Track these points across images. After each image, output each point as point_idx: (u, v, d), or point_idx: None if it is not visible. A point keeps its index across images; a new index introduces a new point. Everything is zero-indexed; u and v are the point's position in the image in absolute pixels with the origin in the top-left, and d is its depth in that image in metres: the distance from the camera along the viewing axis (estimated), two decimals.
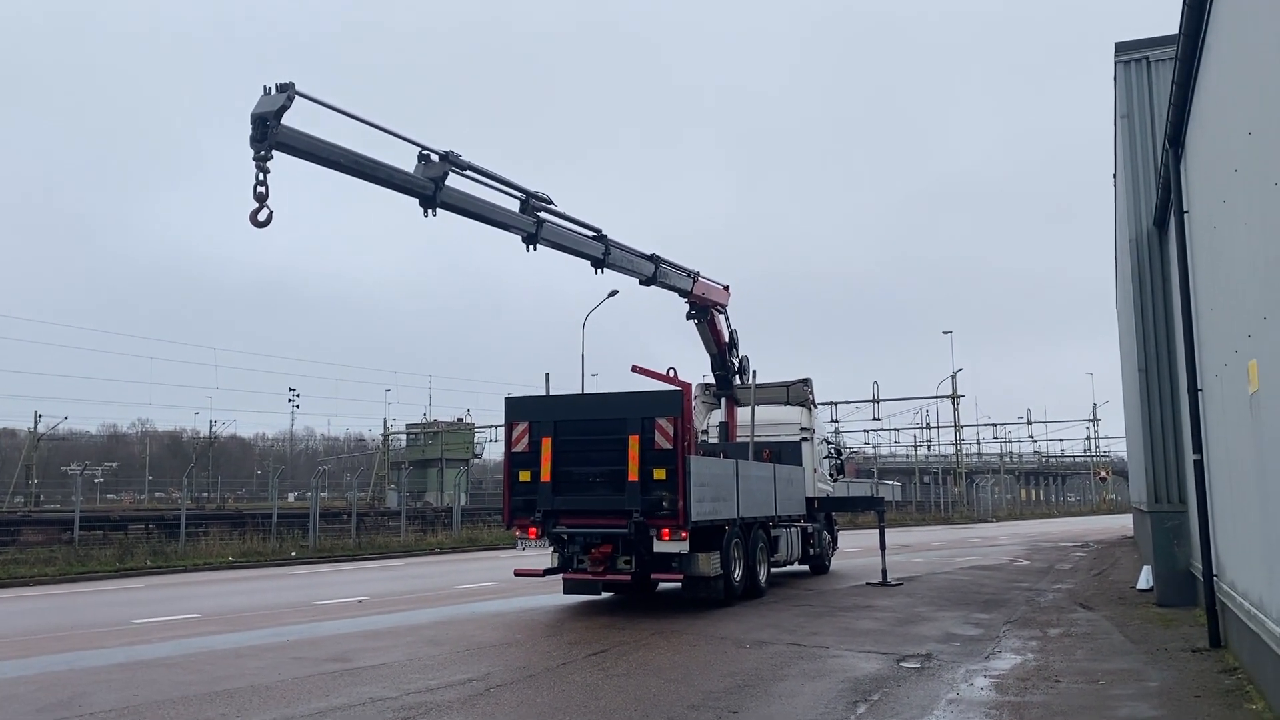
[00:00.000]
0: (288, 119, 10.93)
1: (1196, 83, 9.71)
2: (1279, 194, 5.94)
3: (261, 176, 10.78)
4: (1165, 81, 15.01)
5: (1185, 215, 11.11)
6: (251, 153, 10.72)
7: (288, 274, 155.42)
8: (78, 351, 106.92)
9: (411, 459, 77.23)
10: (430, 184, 12.57)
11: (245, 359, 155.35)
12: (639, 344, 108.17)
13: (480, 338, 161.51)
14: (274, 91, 10.78)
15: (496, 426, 77.20)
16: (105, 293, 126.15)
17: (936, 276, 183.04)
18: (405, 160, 12.68)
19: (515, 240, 14.41)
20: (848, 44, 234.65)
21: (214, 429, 77.66)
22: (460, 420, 78.05)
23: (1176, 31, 9.97)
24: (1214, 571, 10.85)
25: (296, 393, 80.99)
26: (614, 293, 38.62)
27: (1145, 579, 16.53)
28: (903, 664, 10.03)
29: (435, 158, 12.71)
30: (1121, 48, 16.05)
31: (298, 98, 10.89)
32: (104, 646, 11.51)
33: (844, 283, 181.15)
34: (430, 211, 12.78)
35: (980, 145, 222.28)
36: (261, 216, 10.86)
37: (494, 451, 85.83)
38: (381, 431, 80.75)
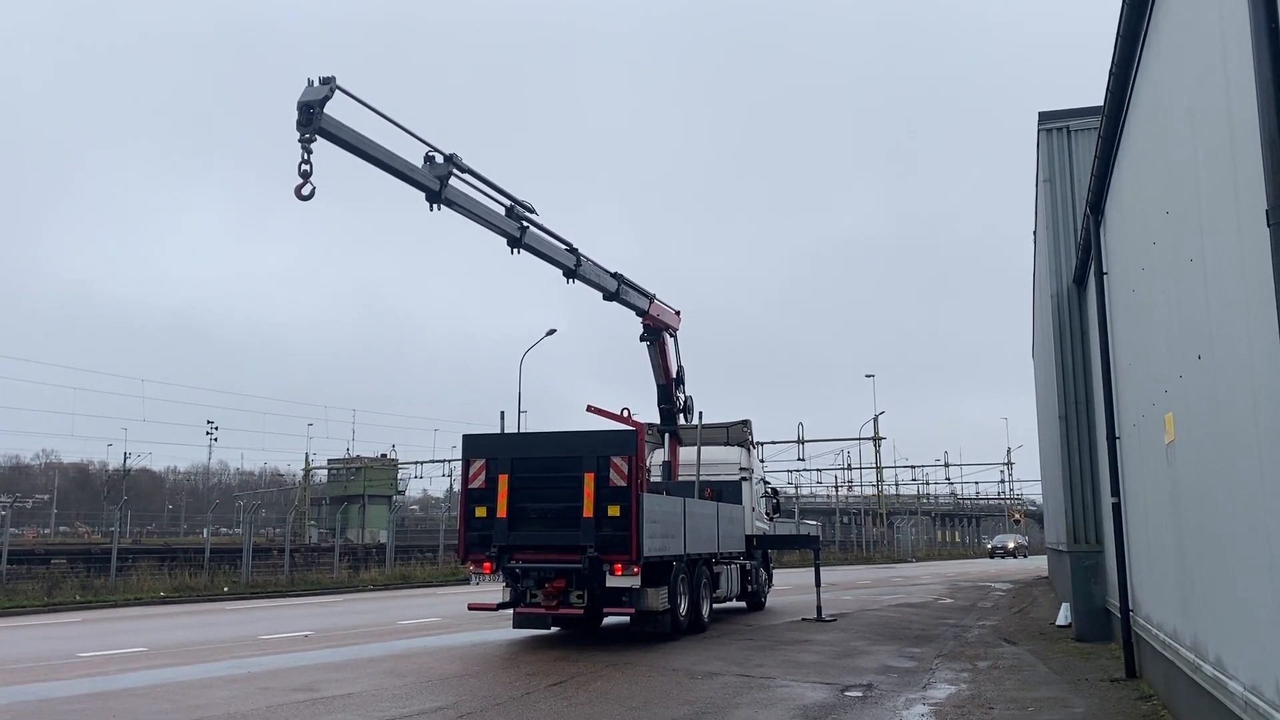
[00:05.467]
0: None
1: (1116, 158, 10.68)
2: (1193, 268, 6.76)
3: (306, 156, 11.98)
4: (1084, 149, 16.19)
5: (1105, 276, 12.08)
6: (297, 135, 11.86)
7: (201, 314, 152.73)
8: None
9: (333, 494, 75.73)
10: (438, 181, 13.84)
11: (165, 390, 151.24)
12: (564, 385, 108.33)
13: (403, 377, 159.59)
14: (317, 83, 12.01)
15: (422, 463, 76.91)
16: (14, 325, 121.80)
17: (853, 324, 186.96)
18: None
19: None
20: (751, 109, 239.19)
21: (128, 461, 75.45)
22: (384, 456, 77.04)
23: (1096, 105, 10.99)
24: (1130, 607, 11.72)
25: (215, 425, 79.26)
26: (552, 331, 39.19)
27: (1064, 615, 17.45)
28: (846, 693, 10.62)
29: (440, 159, 13.99)
30: (1044, 117, 17.17)
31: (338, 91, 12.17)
32: (61, 679, 11.51)
33: (758, 328, 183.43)
34: (435, 206, 14.01)
35: (880, 204, 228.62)
36: (305, 191, 11.98)
37: (417, 488, 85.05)
38: (302, 466, 79.30)
